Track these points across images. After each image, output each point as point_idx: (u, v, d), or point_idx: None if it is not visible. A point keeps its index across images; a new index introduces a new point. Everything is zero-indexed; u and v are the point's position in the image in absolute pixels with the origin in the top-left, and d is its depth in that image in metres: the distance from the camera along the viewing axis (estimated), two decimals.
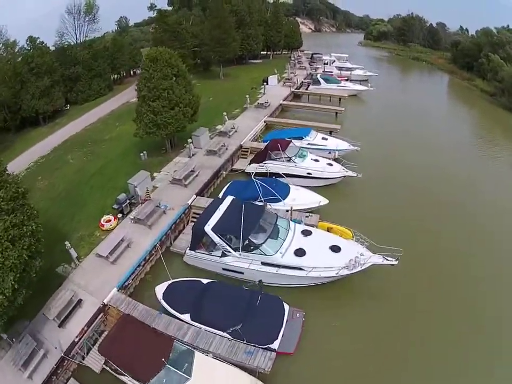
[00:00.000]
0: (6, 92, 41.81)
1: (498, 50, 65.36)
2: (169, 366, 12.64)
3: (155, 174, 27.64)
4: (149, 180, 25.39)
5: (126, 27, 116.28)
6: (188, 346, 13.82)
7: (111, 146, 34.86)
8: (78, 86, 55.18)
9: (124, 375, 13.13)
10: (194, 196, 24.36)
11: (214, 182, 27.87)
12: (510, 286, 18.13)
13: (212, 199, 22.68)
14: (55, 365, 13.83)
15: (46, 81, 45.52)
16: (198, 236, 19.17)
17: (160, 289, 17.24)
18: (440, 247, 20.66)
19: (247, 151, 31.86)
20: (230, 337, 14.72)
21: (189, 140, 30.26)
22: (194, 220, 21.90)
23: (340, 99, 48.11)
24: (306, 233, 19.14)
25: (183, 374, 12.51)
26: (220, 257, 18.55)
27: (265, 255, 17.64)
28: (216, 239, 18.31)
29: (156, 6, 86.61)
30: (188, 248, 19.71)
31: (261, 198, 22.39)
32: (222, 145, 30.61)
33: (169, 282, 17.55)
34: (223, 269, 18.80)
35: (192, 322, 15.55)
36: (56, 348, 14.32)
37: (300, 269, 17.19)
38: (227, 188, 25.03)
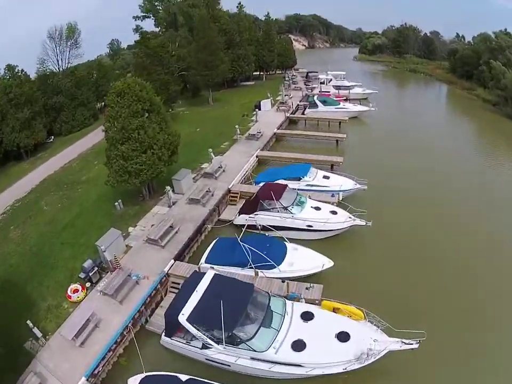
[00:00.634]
0: None
1: (498, 56, 62.42)
2: None
3: (130, 229, 23.77)
4: (121, 240, 21.57)
5: (118, 50, 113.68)
6: None
7: (87, 190, 31.43)
8: (61, 117, 52.42)
9: None
10: (173, 260, 20.13)
11: (197, 239, 23.42)
12: None
13: (192, 266, 19.58)
14: None
15: (26, 113, 43.03)
16: (171, 325, 15.42)
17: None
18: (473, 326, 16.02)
19: (237, 196, 27.40)
20: None
21: (168, 188, 25.95)
22: (174, 290, 18.72)
23: (339, 123, 43.91)
24: (306, 317, 14.99)
25: None
26: (201, 348, 14.78)
27: (255, 351, 13.73)
28: (193, 330, 14.54)
29: (142, 28, 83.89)
30: (163, 334, 15.88)
31: (250, 265, 18.53)
32: (206, 191, 26.31)
33: (143, 376, 13.95)
34: (206, 359, 14.90)
35: None
36: None
37: (299, 365, 13.45)
38: (211, 248, 20.86)
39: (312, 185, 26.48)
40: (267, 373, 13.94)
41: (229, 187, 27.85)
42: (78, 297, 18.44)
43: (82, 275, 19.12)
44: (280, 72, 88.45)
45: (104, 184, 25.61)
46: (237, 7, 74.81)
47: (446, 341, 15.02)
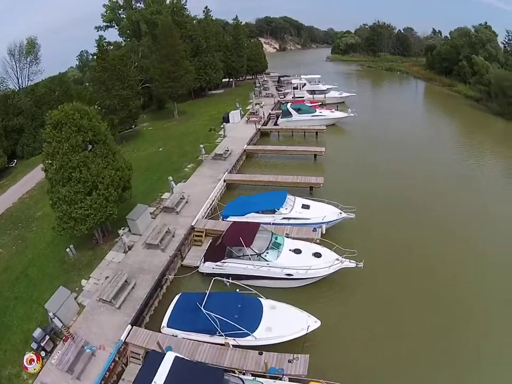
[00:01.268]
0: None
1: (478, 51, 61.46)
2: None
3: (83, 282, 19.97)
4: (72, 300, 18.06)
5: (87, 62, 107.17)
6: None
7: (42, 229, 27.22)
8: (22, 139, 48.12)
9: None
10: (130, 326, 16.35)
11: (157, 293, 19.07)
12: None
13: (152, 333, 15.91)
14: None
15: None
16: None
17: None
18: None
19: (202, 234, 22.83)
20: None
21: (121, 232, 21.41)
22: (135, 361, 15.51)
23: (316, 133, 39.85)
24: None
25: None
26: None
27: None
28: None
29: (105, 39, 78.33)
30: None
31: (220, 333, 14.89)
32: (166, 232, 21.94)
33: None
34: None
35: None
36: None
37: None
38: (174, 308, 16.99)
39: (289, 218, 22.19)
40: None
41: (192, 224, 23.28)
42: (34, 368, 16.03)
43: (34, 345, 16.62)
44: (251, 77, 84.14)
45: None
46: (203, 11, 70.07)
47: None
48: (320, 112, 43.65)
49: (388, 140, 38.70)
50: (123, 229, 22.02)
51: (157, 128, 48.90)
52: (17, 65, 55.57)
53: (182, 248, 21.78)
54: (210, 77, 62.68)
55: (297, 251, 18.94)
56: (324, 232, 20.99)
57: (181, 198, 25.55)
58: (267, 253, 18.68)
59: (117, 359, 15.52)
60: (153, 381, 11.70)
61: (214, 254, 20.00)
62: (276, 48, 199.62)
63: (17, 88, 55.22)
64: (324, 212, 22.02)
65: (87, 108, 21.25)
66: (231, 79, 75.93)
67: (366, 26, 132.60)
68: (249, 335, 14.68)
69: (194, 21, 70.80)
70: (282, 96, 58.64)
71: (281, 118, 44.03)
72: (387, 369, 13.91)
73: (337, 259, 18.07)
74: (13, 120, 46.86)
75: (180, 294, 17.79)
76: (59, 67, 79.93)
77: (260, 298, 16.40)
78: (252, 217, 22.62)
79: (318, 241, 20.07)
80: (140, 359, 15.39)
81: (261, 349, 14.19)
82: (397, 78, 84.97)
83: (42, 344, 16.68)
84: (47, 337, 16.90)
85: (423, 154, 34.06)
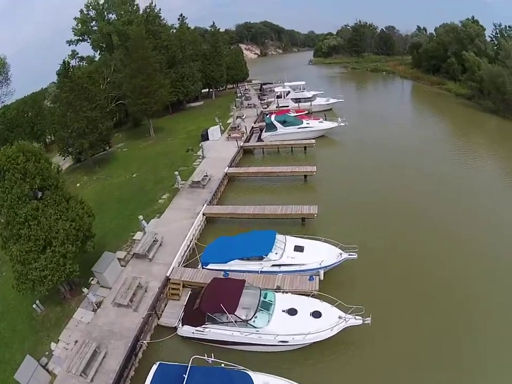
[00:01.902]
0: None
1: (467, 46, 59.00)
2: None
3: (53, 346, 17.27)
4: (40, 370, 15.57)
5: None
6: None
7: (9, 279, 22.47)
8: None
9: None
10: None
11: (131, 363, 15.72)
12: None
13: None
14: None
15: None
16: None
17: None
18: None
19: (179, 287, 19.02)
20: None
21: (85, 290, 18.04)
22: None
23: (305, 148, 36.30)
24: None
25: None
26: None
27: None
28: None
29: (77, 54, 74.16)
30: None
31: None
32: (138, 286, 18.44)
33: None
34: None
35: None
36: None
37: None
38: (151, 381, 13.26)
39: (280, 265, 18.47)
40: None
41: (168, 275, 19.54)
42: None
43: None
44: (232, 86, 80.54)
45: None
46: (178, 19, 66.25)
47: None
48: (308, 123, 40.01)
49: (387, 148, 35.67)
50: (89, 284, 19.07)
51: (132, 148, 44.94)
52: None
53: (157, 305, 18.23)
54: (187, 89, 58.98)
55: (292, 311, 15.38)
56: (322, 278, 17.49)
57: (154, 241, 21.78)
58: (255, 317, 15.05)
59: None
60: None
61: (193, 317, 16.36)
62: (257, 54, 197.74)
63: None
64: (321, 255, 18.35)
65: (35, 147, 17.97)
66: (210, 90, 72.14)
67: (348, 27, 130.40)
68: None
69: (171, 30, 67.04)
70: (266, 106, 55.26)
71: (265, 131, 40.32)
72: None
73: (340, 316, 14.79)
74: None
75: (157, 365, 14.04)
76: (41, 83, 75.73)
77: (249, 373, 12.85)
78: (235, 265, 18.94)
79: (315, 293, 16.53)
80: None
81: None
82: (383, 78, 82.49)
83: None
84: None
85: (427, 170, 30.19)
